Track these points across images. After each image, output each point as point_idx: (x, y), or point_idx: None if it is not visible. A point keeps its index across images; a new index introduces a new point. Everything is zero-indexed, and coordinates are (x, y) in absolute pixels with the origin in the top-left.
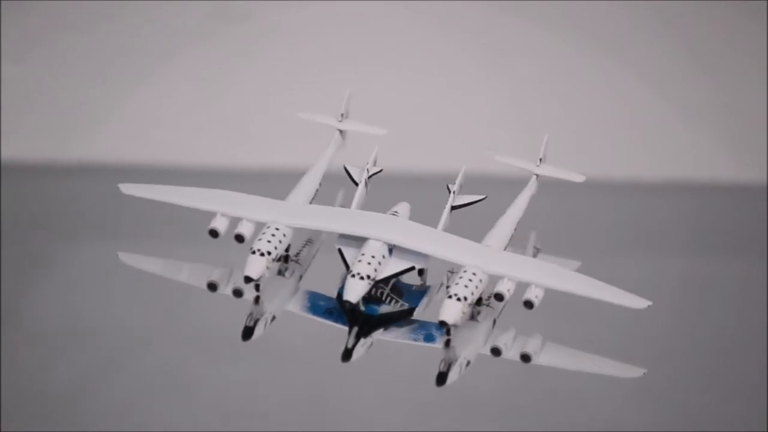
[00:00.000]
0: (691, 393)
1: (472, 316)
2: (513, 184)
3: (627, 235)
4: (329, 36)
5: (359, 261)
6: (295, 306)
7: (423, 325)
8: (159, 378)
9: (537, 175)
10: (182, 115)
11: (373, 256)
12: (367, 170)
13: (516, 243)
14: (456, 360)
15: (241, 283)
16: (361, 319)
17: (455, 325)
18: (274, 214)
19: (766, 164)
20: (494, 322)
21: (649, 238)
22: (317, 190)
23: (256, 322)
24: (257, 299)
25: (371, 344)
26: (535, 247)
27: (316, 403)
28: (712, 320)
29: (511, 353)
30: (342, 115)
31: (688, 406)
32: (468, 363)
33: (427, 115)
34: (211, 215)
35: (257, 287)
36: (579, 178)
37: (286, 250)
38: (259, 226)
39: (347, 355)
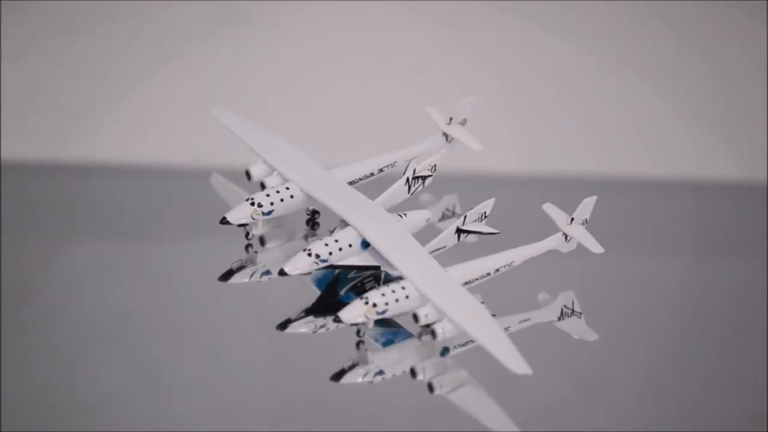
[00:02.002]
0: (691, 393)
1: (420, 336)
2: (520, 185)
3: (627, 233)
4: (329, 36)
5: (321, 240)
6: (294, 270)
7: (395, 332)
8: (159, 375)
9: (566, 235)
10: (182, 115)
11: (336, 241)
12: (414, 170)
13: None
14: (363, 364)
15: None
16: (329, 301)
17: (364, 326)
18: (300, 177)
19: (767, 164)
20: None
21: (649, 236)
22: (373, 173)
23: (239, 269)
24: (247, 247)
25: (320, 326)
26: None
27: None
28: (711, 318)
29: (424, 377)
30: (451, 119)
31: (688, 406)
32: (381, 374)
33: (428, 115)
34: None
35: (247, 235)
36: (477, 146)
37: (312, 218)
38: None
39: (284, 324)
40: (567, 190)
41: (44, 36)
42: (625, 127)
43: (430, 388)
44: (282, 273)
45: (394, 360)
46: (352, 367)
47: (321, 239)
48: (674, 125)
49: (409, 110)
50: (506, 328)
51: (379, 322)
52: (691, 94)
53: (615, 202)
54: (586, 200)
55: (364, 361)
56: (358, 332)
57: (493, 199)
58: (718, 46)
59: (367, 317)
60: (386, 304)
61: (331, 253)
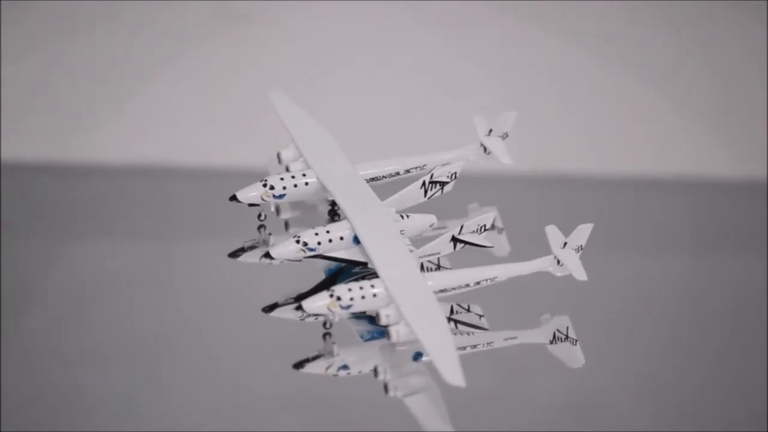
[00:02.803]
0: (691, 392)
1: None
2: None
3: (627, 231)
4: (330, 37)
5: (312, 229)
6: (280, 255)
7: (382, 330)
8: (160, 375)
9: (557, 261)
10: (183, 115)
11: (327, 232)
12: (431, 174)
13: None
14: (329, 356)
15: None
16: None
17: (331, 319)
18: (321, 166)
19: (766, 162)
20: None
21: (649, 234)
22: (399, 173)
23: (251, 248)
24: (260, 228)
25: (307, 315)
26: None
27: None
28: (711, 317)
29: (385, 377)
30: (491, 130)
31: (688, 406)
32: (345, 368)
33: (429, 115)
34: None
35: (259, 216)
36: (508, 161)
37: (333, 209)
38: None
39: (271, 308)
40: (567, 189)
41: (44, 36)
42: (624, 126)
43: (386, 388)
44: (268, 256)
45: (362, 357)
46: (316, 357)
47: (313, 229)
48: (674, 124)
49: (409, 110)
50: (489, 343)
51: (370, 319)
52: (691, 94)
53: (615, 201)
54: (581, 226)
55: (330, 354)
56: (324, 324)
57: (495, 213)
58: (718, 46)
59: (330, 310)
60: (351, 299)
61: (319, 243)
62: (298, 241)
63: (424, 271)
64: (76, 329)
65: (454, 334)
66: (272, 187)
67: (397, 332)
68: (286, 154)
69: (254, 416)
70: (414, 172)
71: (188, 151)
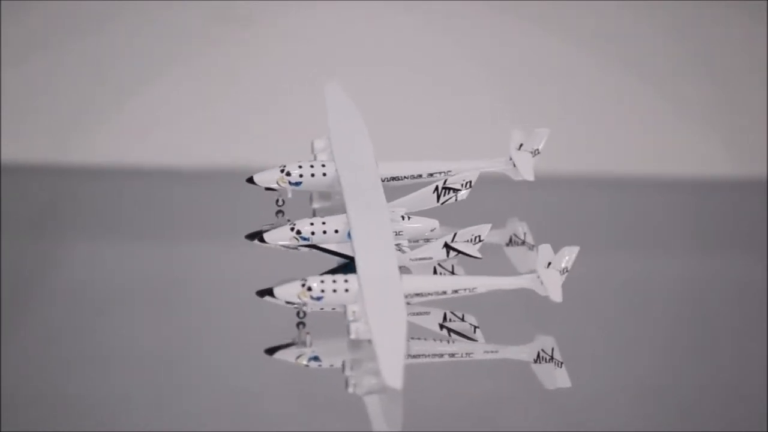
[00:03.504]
0: (691, 392)
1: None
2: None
3: (627, 231)
4: (330, 37)
5: (305, 219)
6: (273, 240)
7: None
8: (160, 375)
9: (541, 277)
10: (183, 116)
11: (323, 223)
12: (445, 180)
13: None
14: (301, 346)
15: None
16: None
17: (303, 308)
18: (343, 159)
19: (766, 161)
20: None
21: (648, 234)
22: (422, 175)
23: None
24: (278, 213)
25: (303, 304)
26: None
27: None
28: (712, 316)
29: (348, 372)
30: (521, 145)
31: (688, 406)
32: (316, 360)
33: (429, 115)
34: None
35: (277, 201)
36: (530, 177)
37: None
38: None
39: (264, 293)
40: (567, 189)
41: (44, 37)
42: (624, 126)
43: (346, 384)
44: (261, 239)
45: (335, 351)
46: (288, 345)
47: (309, 219)
48: (674, 124)
49: (409, 111)
50: (468, 354)
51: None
52: (691, 94)
53: (615, 201)
54: (567, 249)
55: (302, 344)
56: (298, 313)
57: (489, 225)
58: (718, 46)
59: (300, 299)
60: (322, 291)
61: (313, 233)
62: (292, 229)
63: (437, 273)
64: (77, 330)
65: (442, 341)
66: (289, 174)
67: (356, 329)
68: (318, 144)
69: (254, 416)
70: (438, 177)
71: (188, 152)
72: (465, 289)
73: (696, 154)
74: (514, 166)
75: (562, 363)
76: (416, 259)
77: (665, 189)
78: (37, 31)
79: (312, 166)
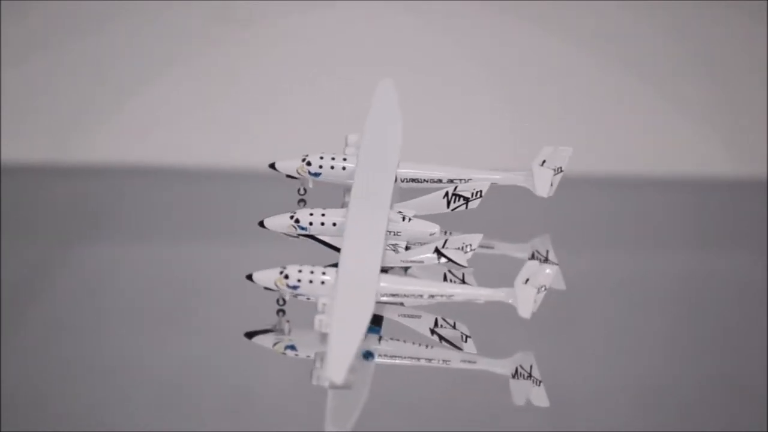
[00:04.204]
0: (691, 392)
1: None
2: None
3: (627, 230)
4: (330, 38)
5: (306, 209)
6: (271, 226)
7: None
8: (160, 376)
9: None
10: (183, 116)
11: (322, 215)
12: (456, 186)
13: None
14: (279, 333)
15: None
16: None
17: (281, 295)
18: (366, 156)
19: (766, 161)
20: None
21: (648, 234)
22: (441, 180)
23: (291, 218)
24: (299, 202)
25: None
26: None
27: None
28: (711, 315)
29: (319, 366)
30: (544, 161)
31: (688, 405)
32: (292, 349)
33: (427, 114)
34: None
35: (299, 190)
36: (543, 194)
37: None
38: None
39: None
40: (567, 189)
41: (44, 37)
42: (624, 125)
43: (310, 376)
44: (261, 225)
45: (314, 342)
46: (268, 331)
47: (309, 209)
48: (674, 124)
49: (408, 111)
50: (445, 361)
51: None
52: (691, 94)
53: (614, 200)
54: (548, 270)
55: (281, 331)
56: (278, 300)
57: (481, 235)
58: (718, 46)
59: (277, 286)
60: (299, 281)
61: (311, 224)
62: (291, 217)
63: (447, 280)
64: (78, 331)
65: (421, 344)
66: (309, 163)
67: (319, 321)
68: (351, 139)
69: (255, 417)
70: (458, 184)
71: (189, 152)
72: (442, 296)
73: (696, 154)
74: (532, 174)
75: (540, 382)
76: (407, 261)
77: (665, 188)
78: (37, 31)
79: (333, 159)
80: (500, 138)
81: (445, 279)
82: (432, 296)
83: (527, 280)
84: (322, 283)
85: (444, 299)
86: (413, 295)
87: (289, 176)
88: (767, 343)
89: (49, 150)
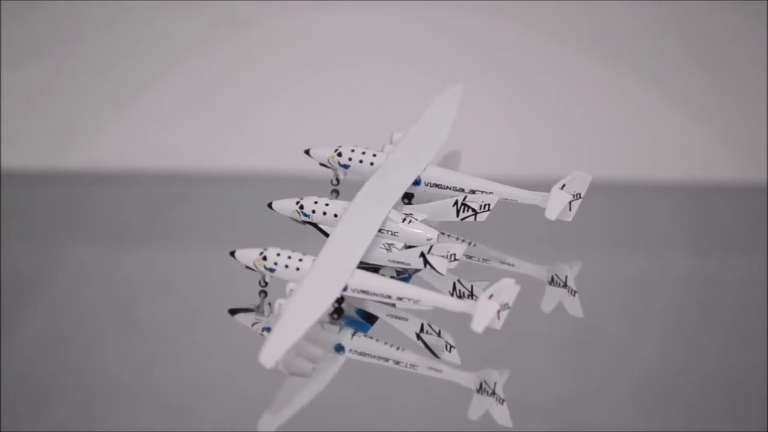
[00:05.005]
0: (691, 393)
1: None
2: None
3: (628, 234)
4: (329, 40)
5: (314, 197)
6: (277, 207)
7: (351, 320)
8: (161, 378)
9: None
10: (183, 121)
11: (326, 204)
12: (465, 197)
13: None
14: (259, 314)
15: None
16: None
17: (263, 276)
18: (398, 155)
19: (767, 164)
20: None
21: (649, 237)
22: (464, 189)
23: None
24: (332, 192)
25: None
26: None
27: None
28: (712, 319)
29: (287, 353)
30: (564, 185)
31: (688, 406)
32: (269, 332)
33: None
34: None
35: (332, 181)
36: (552, 216)
37: (409, 201)
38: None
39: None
40: None
41: (44, 43)
42: (624, 128)
43: (276, 363)
44: (269, 206)
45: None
46: (249, 310)
47: (314, 197)
48: (674, 126)
49: (408, 111)
50: (412, 366)
51: (360, 311)
52: (691, 95)
53: (615, 204)
54: (515, 288)
55: (261, 312)
56: (260, 282)
57: (465, 245)
58: (718, 46)
59: (255, 266)
60: (275, 263)
61: (314, 211)
62: (297, 203)
63: (455, 290)
64: (78, 335)
65: (399, 349)
66: (340, 154)
67: (279, 305)
68: (396, 137)
69: (255, 418)
70: (467, 194)
71: (190, 157)
72: (409, 300)
73: (697, 157)
74: (552, 194)
75: (503, 401)
76: (395, 262)
77: (666, 192)
78: (37, 37)
79: (363, 153)
80: (500, 140)
81: (453, 288)
82: (400, 298)
83: (491, 295)
84: (297, 269)
85: (411, 303)
86: (381, 294)
87: (322, 164)
88: (767, 346)
89: (48, 157)
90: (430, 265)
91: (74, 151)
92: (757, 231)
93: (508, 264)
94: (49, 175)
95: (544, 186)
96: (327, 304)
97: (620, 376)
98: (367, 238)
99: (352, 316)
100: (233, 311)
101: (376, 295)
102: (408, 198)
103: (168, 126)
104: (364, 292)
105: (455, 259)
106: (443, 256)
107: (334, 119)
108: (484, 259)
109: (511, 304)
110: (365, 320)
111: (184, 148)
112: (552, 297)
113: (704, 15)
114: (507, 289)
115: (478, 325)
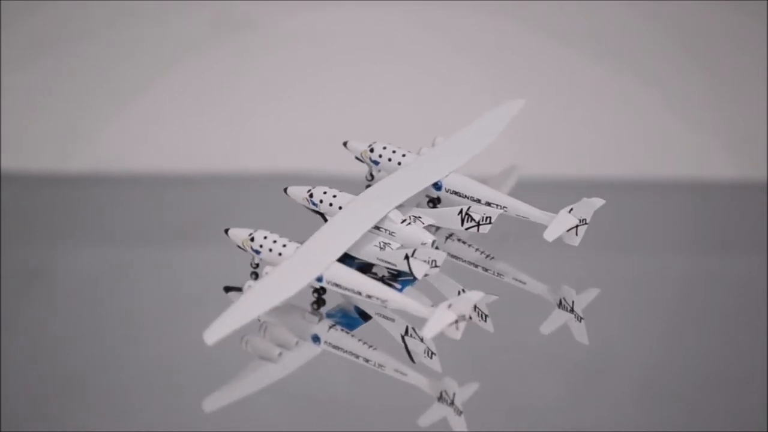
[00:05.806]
0: (691, 393)
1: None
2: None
3: (627, 233)
4: (329, 41)
5: (325, 187)
6: (291, 193)
7: (345, 314)
8: (158, 377)
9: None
10: (183, 123)
11: (334, 196)
12: (469, 207)
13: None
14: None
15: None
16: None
17: (250, 256)
18: (430, 159)
19: (767, 163)
20: (320, 316)
21: (649, 236)
22: (480, 200)
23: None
24: (367, 187)
25: None
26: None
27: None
28: (712, 318)
29: (261, 336)
30: (572, 209)
31: (688, 406)
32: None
33: (427, 115)
34: None
35: (366, 177)
36: (551, 237)
37: (434, 204)
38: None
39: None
40: (566, 192)
41: (44, 46)
42: (624, 128)
43: (245, 344)
44: (285, 191)
45: (275, 313)
46: (240, 289)
47: (324, 188)
48: (674, 126)
49: (408, 111)
50: (380, 366)
51: (356, 309)
52: (691, 95)
53: (614, 203)
54: (474, 302)
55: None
56: (251, 263)
57: (445, 254)
58: (718, 46)
59: (243, 246)
60: (261, 246)
61: (321, 201)
62: (308, 191)
63: (460, 294)
64: (78, 335)
65: (371, 348)
66: (372, 150)
67: (248, 286)
68: (438, 141)
69: (256, 418)
70: (471, 204)
71: (190, 158)
72: (377, 299)
73: (696, 157)
74: (561, 219)
75: (461, 412)
76: (382, 260)
77: (665, 191)
78: (37, 40)
79: (394, 152)
80: (500, 138)
81: (458, 294)
82: (369, 296)
83: (450, 305)
84: (279, 254)
85: (379, 302)
86: (353, 290)
87: (357, 158)
88: (767, 346)
89: (48, 159)
90: (409, 267)
91: (74, 151)
92: (756, 230)
93: (520, 281)
94: (49, 175)
95: (543, 185)
96: (289, 293)
97: (620, 376)
98: (356, 234)
99: (349, 310)
100: (228, 289)
101: (348, 290)
102: (433, 202)
103: (168, 127)
104: (337, 285)
105: (436, 266)
106: (425, 261)
107: (334, 119)
108: (498, 274)
109: (467, 316)
110: (360, 316)
111: (184, 148)
112: (556, 320)
113: (704, 15)
114: (468, 301)
115: (428, 331)
